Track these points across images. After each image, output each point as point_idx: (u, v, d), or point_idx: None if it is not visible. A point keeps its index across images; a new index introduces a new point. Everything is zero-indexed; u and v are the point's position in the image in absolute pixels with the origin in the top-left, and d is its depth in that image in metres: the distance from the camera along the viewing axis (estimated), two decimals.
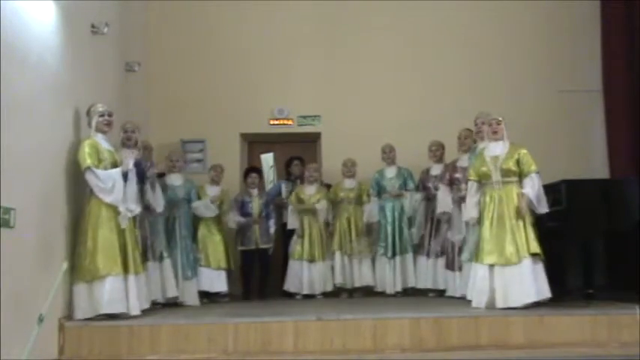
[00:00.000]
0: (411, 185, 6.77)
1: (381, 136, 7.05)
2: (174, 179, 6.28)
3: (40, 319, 4.15)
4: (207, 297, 6.29)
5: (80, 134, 4.95)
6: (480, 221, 5.14)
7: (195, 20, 7.78)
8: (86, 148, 4.70)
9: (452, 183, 6.10)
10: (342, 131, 7.53)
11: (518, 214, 4.91)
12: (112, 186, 4.71)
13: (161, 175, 6.22)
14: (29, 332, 4.01)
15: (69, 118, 4.85)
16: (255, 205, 6.77)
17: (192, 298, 6.03)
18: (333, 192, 6.90)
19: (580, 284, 5.66)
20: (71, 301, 4.63)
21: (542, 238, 4.98)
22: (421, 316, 4.69)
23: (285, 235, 6.94)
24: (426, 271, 6.46)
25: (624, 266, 5.92)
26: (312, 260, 6.64)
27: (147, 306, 5.04)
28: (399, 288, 6.55)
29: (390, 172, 6.84)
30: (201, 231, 6.40)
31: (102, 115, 4.92)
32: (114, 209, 4.74)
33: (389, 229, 6.64)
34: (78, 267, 4.64)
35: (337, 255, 6.68)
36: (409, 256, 6.63)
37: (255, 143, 7.98)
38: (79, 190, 4.81)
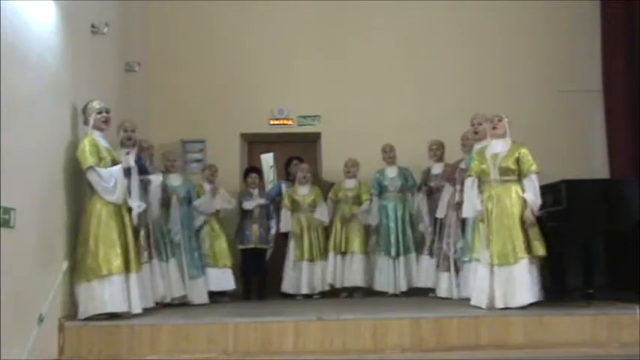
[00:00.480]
0: (413, 185, 6.79)
1: (381, 136, 7.06)
2: (173, 179, 6.26)
3: (40, 319, 4.15)
4: (208, 297, 6.29)
5: (80, 134, 4.94)
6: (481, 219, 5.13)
7: (195, 20, 7.79)
8: (87, 147, 4.67)
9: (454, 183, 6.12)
10: (342, 131, 7.53)
11: (525, 223, 4.87)
12: (115, 184, 4.70)
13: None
14: (29, 332, 4.02)
15: (69, 118, 4.84)
16: (255, 205, 6.78)
17: (199, 297, 6.03)
18: (333, 192, 6.91)
19: (580, 284, 5.65)
20: (74, 301, 4.63)
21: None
22: (421, 316, 4.68)
23: (285, 235, 6.94)
24: (428, 271, 6.46)
25: (624, 266, 5.91)
26: (310, 260, 6.64)
27: (149, 305, 5.03)
28: (404, 288, 6.55)
29: (391, 171, 6.85)
30: (205, 230, 6.41)
31: (100, 112, 4.88)
32: (115, 207, 4.73)
33: (392, 228, 6.64)
34: (80, 266, 4.63)
35: (331, 254, 6.70)
36: (413, 255, 6.64)
37: (255, 143, 7.98)
38: (79, 190, 4.81)
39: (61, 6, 4.64)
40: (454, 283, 5.87)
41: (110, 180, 4.69)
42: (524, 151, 5.02)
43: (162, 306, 5.55)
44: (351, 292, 6.73)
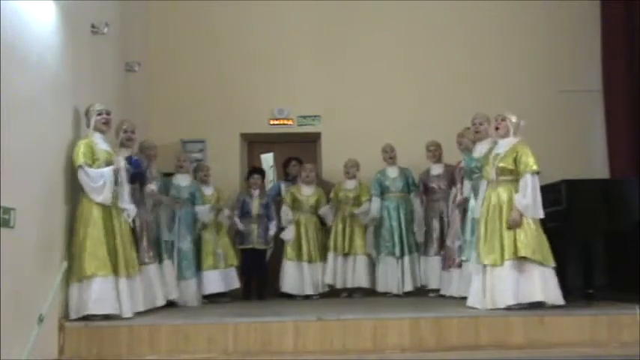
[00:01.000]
0: (413, 185, 6.79)
1: (381, 136, 7.05)
2: (181, 179, 6.32)
3: (40, 319, 4.15)
4: (207, 297, 6.29)
5: (80, 134, 4.93)
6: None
7: (196, 20, 7.79)
8: (81, 148, 4.68)
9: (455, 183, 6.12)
10: (342, 131, 7.53)
11: (511, 225, 4.80)
12: (103, 185, 4.66)
13: (169, 175, 6.28)
14: (29, 332, 4.02)
15: (69, 118, 4.84)
16: (256, 206, 6.78)
17: (191, 299, 6.02)
18: (334, 193, 6.90)
19: (580, 284, 5.66)
20: (67, 301, 4.61)
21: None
22: (421, 316, 4.68)
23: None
24: (433, 271, 6.46)
25: (624, 266, 5.93)
26: (310, 261, 6.64)
27: (142, 309, 4.94)
28: (409, 288, 6.54)
29: (392, 172, 6.85)
30: (209, 231, 6.42)
31: (100, 114, 4.89)
32: (105, 209, 4.70)
33: (395, 228, 6.64)
34: (72, 266, 4.62)
35: (331, 255, 6.69)
36: (416, 255, 6.65)
37: (255, 143, 7.98)
38: (78, 190, 4.80)
39: (61, 6, 4.64)
40: (458, 282, 5.87)
41: (98, 180, 4.66)
42: (522, 151, 4.91)
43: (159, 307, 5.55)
44: (351, 292, 6.73)
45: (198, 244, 6.34)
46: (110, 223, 4.73)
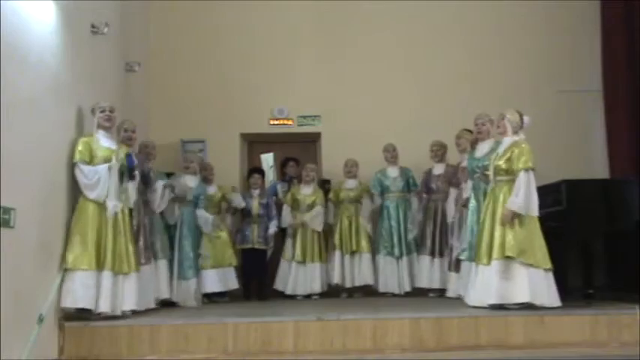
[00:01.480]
0: (414, 185, 6.79)
1: (381, 136, 7.06)
2: (189, 180, 6.31)
3: (40, 319, 4.15)
4: (207, 297, 6.29)
5: (80, 134, 4.93)
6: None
7: (196, 20, 7.79)
8: (79, 145, 4.72)
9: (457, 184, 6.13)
10: (342, 131, 7.53)
11: (502, 223, 4.82)
12: (97, 181, 4.68)
13: (169, 175, 6.28)
14: (29, 332, 4.02)
15: (69, 118, 4.84)
16: (255, 205, 6.78)
17: (190, 299, 6.00)
18: (334, 193, 6.91)
19: (580, 284, 5.65)
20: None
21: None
22: (421, 316, 4.69)
23: (284, 236, 6.93)
24: (431, 271, 6.46)
25: (624, 266, 5.92)
26: (304, 262, 6.64)
27: (136, 308, 4.86)
28: (408, 288, 6.55)
29: (393, 171, 6.85)
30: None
31: (103, 111, 4.92)
32: (99, 206, 4.69)
33: (394, 228, 6.64)
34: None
35: (337, 254, 6.69)
36: (415, 255, 6.65)
37: (255, 143, 7.98)
38: (78, 190, 4.80)
39: (61, 6, 4.64)
40: (458, 282, 5.87)
41: (92, 177, 4.68)
42: (518, 149, 4.90)
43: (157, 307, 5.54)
44: (351, 292, 6.73)
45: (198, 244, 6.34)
46: (102, 220, 4.70)
